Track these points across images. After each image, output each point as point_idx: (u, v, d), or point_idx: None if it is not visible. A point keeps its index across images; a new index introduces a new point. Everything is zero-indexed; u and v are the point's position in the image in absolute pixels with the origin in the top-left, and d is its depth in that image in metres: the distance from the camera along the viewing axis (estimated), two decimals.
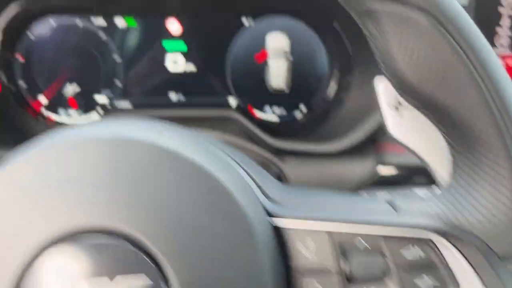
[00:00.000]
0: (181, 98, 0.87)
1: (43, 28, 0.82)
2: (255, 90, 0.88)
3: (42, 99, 0.84)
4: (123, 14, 0.82)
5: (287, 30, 0.85)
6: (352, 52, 0.82)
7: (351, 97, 0.83)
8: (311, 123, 0.87)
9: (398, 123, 0.39)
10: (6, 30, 0.80)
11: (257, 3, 0.83)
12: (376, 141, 0.74)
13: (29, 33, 0.81)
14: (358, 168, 0.72)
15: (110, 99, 0.86)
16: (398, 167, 0.72)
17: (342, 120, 0.81)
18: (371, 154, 0.72)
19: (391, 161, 0.72)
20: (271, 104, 0.89)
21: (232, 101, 0.88)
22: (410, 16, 0.31)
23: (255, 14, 0.84)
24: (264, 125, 0.86)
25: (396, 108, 0.40)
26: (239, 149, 0.77)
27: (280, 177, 0.77)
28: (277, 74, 0.86)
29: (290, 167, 0.76)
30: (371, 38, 0.34)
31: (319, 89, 0.88)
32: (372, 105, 0.74)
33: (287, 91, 0.87)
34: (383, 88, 0.42)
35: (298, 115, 0.89)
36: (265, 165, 0.77)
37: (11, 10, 0.78)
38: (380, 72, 0.71)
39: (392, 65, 0.33)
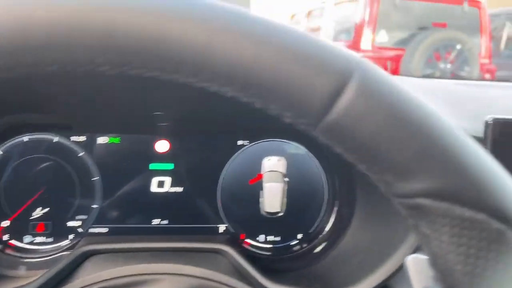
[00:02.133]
0: (165, 224, 0.77)
1: (14, 145, 0.72)
2: (249, 216, 0.80)
3: (5, 223, 0.73)
4: (107, 133, 0.74)
5: (285, 154, 0.79)
6: (356, 184, 0.76)
7: (352, 233, 0.76)
8: (309, 257, 0.79)
9: None
10: None
11: (255, 126, 0.76)
12: None
13: None
14: None
15: (84, 222, 0.76)
16: None
17: (345, 258, 0.73)
18: None
19: None
20: (265, 232, 0.80)
21: (223, 229, 0.79)
22: (477, 219, 0.26)
23: (251, 137, 0.78)
24: (258, 260, 0.77)
25: None
26: None
27: None
28: (272, 196, 0.79)
29: None
30: (421, 237, 0.28)
31: (316, 218, 0.81)
32: (379, 248, 0.66)
33: (282, 214, 0.79)
34: (415, 269, 0.37)
35: (294, 244, 0.81)
36: None
37: None
38: (386, 217, 0.65)
39: (447, 272, 0.27)
